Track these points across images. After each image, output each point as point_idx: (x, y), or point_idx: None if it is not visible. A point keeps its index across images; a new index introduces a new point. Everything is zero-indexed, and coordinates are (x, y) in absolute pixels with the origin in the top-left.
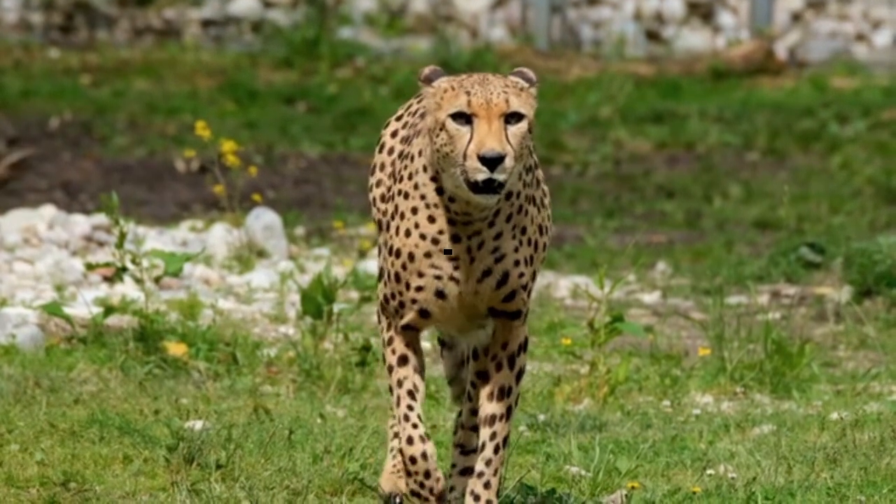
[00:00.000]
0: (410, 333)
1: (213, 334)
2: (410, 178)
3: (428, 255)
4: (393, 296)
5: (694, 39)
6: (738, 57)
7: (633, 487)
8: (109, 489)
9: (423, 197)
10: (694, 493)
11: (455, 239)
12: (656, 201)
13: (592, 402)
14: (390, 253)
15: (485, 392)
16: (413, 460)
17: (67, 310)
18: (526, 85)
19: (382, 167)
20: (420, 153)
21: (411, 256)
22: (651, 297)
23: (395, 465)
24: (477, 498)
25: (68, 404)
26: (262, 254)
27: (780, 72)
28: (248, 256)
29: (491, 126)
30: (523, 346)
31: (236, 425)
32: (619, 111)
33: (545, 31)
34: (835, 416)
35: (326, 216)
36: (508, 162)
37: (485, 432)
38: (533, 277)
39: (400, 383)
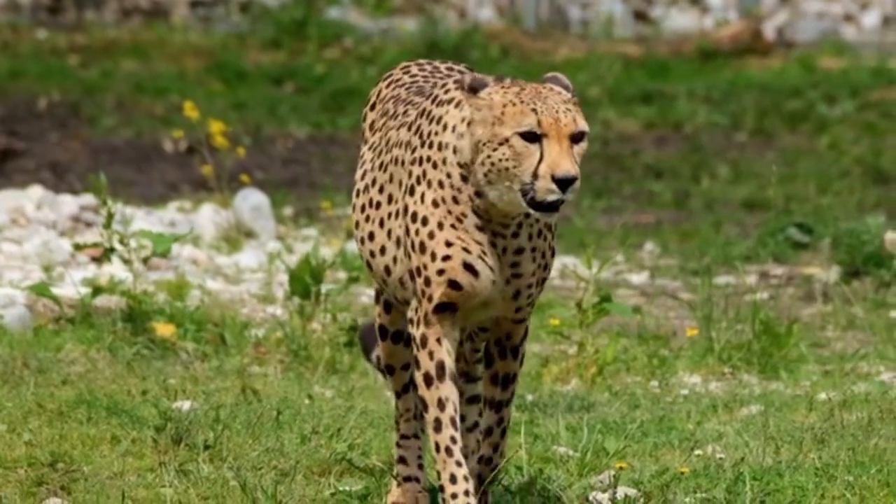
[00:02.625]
0: (445, 321)
1: (201, 315)
2: (440, 149)
3: (454, 227)
4: (418, 271)
5: (682, 20)
6: (726, 37)
7: (620, 468)
8: (97, 469)
9: (448, 176)
10: (682, 473)
11: (479, 229)
12: (644, 181)
13: (580, 382)
14: (413, 220)
15: (488, 376)
16: (455, 496)
17: (55, 290)
18: (571, 96)
19: (363, 173)
20: (454, 129)
21: (440, 225)
22: (639, 278)
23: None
24: (483, 481)
25: (56, 385)
26: (250, 234)
27: (767, 52)
28: (236, 237)
29: (562, 146)
30: (525, 337)
31: (224, 406)
32: (607, 91)
33: (533, 11)
34: (823, 396)
35: (314, 196)
36: (578, 183)
37: (491, 417)
38: (539, 292)
39: (441, 405)
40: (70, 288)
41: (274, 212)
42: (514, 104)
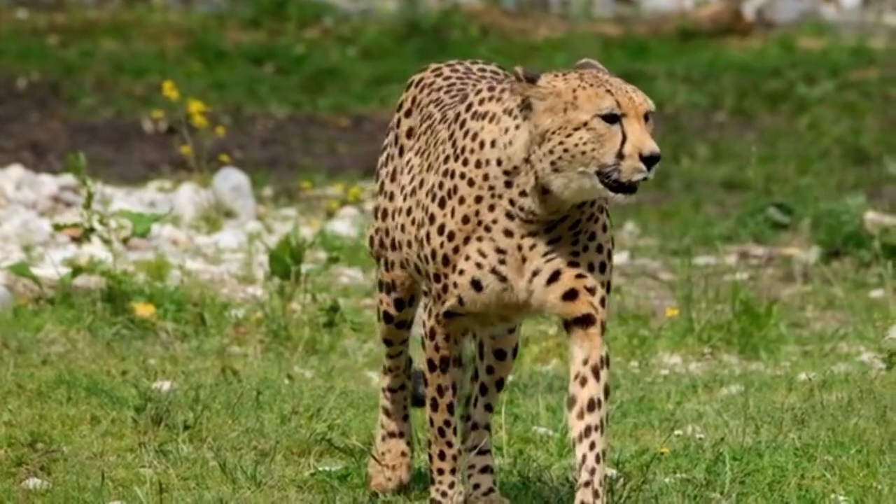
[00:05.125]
0: (454, 323)
1: (180, 295)
2: (478, 166)
3: (480, 238)
4: (437, 277)
5: (661, 0)
6: (705, 17)
7: None
8: (77, 450)
9: (491, 188)
10: (661, 453)
11: (507, 233)
12: None
13: (560, 362)
14: (440, 232)
15: (574, 412)
16: (441, 472)
17: (35, 270)
18: None
19: (411, 178)
20: (493, 143)
21: (466, 240)
22: (619, 258)
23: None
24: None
25: (36, 365)
26: (229, 214)
27: (747, 32)
28: (215, 217)
29: (641, 124)
30: (606, 361)
31: (204, 386)
32: None
33: None
34: (802, 376)
35: (294, 176)
36: (659, 161)
37: (582, 447)
38: (605, 286)
39: (441, 391)
40: (50, 268)
41: (254, 192)
42: (584, 88)
